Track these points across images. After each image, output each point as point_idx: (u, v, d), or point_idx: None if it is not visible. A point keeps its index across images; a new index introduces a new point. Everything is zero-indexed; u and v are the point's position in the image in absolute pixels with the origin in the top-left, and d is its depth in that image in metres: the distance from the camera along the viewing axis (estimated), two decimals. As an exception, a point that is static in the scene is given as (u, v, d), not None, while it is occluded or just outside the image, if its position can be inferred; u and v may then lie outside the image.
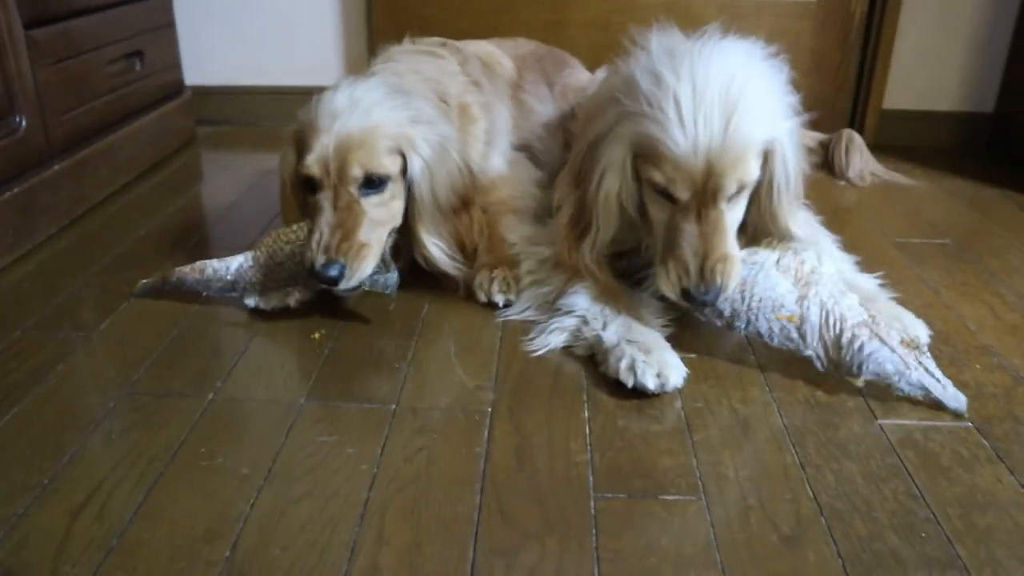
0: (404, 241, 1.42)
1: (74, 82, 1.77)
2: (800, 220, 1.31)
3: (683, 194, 1.17)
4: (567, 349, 1.29)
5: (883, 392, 1.18)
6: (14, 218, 1.56)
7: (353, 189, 1.32)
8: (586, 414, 1.13)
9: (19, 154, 1.59)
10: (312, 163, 1.30)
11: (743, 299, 1.20)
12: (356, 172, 1.31)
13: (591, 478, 1.01)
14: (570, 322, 1.28)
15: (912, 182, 2.09)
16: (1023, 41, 2.24)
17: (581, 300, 1.30)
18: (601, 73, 2.04)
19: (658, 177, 1.18)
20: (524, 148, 1.76)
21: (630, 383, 1.15)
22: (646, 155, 1.19)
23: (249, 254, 1.37)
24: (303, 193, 1.37)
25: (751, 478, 1.01)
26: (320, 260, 1.27)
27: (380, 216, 1.35)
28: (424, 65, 1.55)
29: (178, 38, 2.29)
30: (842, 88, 2.35)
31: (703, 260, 1.17)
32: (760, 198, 1.26)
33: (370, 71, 1.46)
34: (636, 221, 1.29)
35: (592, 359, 1.25)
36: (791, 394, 1.18)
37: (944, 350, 1.30)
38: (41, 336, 1.32)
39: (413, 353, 1.28)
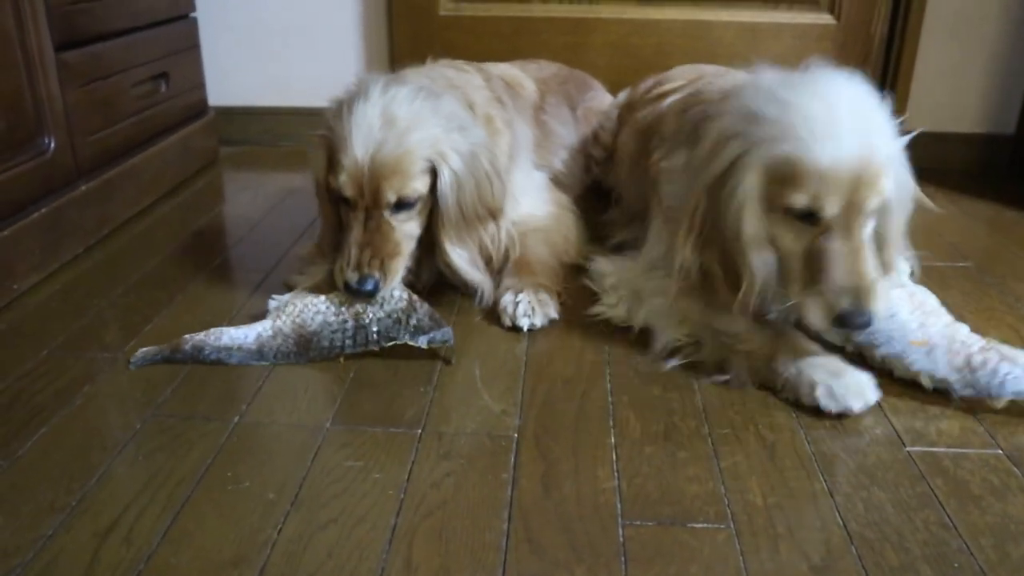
0: (427, 251, 1.43)
1: (102, 104, 1.79)
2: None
3: (832, 209, 1.13)
4: (592, 374, 1.29)
5: (910, 418, 1.17)
6: (42, 238, 1.57)
7: (386, 212, 1.34)
8: (612, 440, 1.13)
9: (47, 174, 1.61)
10: (345, 183, 1.32)
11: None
12: (390, 197, 1.32)
13: (619, 505, 1.00)
14: (740, 350, 1.25)
15: (933, 205, 2.07)
16: (1045, 63, 2.23)
17: (735, 324, 1.26)
18: (623, 96, 2.04)
19: (800, 199, 1.13)
20: (545, 169, 1.77)
21: (834, 409, 1.15)
22: (784, 178, 1.14)
23: (267, 323, 1.33)
24: (333, 200, 1.39)
25: (780, 505, 1.00)
26: (354, 277, 1.30)
27: (408, 230, 1.38)
28: (452, 75, 1.57)
29: (202, 59, 2.31)
30: (862, 109, 2.34)
31: (857, 283, 1.13)
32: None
33: (401, 76, 1.47)
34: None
35: (623, 383, 1.25)
36: (817, 420, 1.17)
37: (972, 376, 1.29)
38: (67, 357, 1.32)
39: (438, 376, 1.28)
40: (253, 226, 1.89)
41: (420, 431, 1.14)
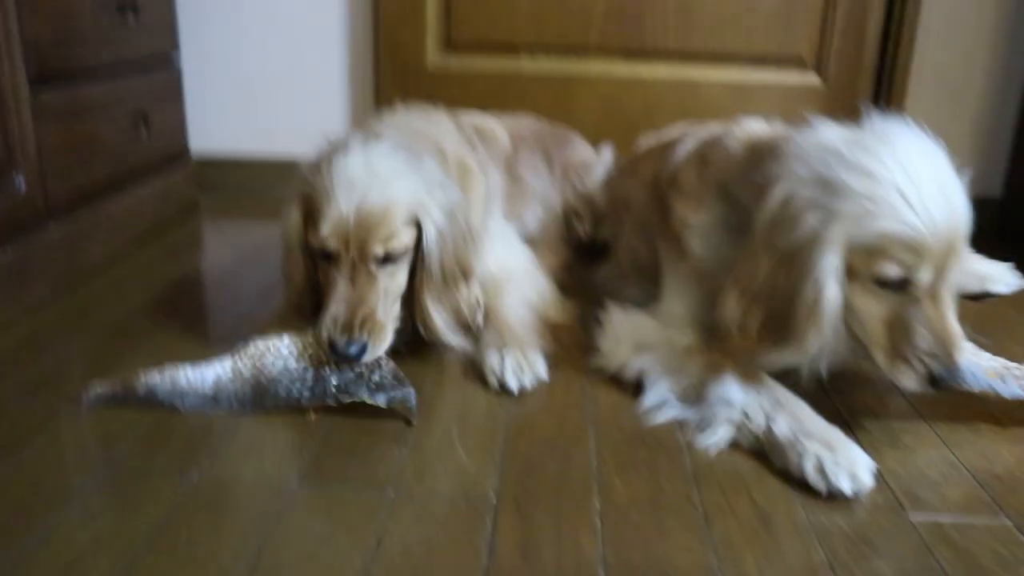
0: (405, 309, 1.37)
1: (77, 145, 1.75)
2: None
3: (926, 277, 1.12)
4: (575, 433, 1.22)
5: (911, 485, 1.11)
6: (7, 280, 1.51)
7: (372, 266, 1.28)
8: (597, 505, 1.06)
9: (17, 215, 1.55)
10: (330, 237, 1.26)
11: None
12: (377, 250, 1.27)
13: (603, 576, 0.93)
14: (735, 415, 1.20)
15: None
16: (1031, 126, 2.23)
17: (734, 390, 1.21)
18: (607, 152, 2.02)
19: (893, 270, 1.11)
20: (515, 220, 1.72)
21: (823, 488, 1.08)
22: (874, 251, 1.11)
23: (228, 364, 1.27)
24: (312, 258, 1.33)
25: (776, 579, 0.94)
26: (342, 340, 1.23)
27: (392, 287, 1.32)
28: (419, 123, 1.53)
29: (185, 105, 2.28)
30: (850, 171, 2.33)
31: (949, 348, 1.13)
32: None
33: (376, 131, 1.42)
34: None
35: (609, 444, 1.19)
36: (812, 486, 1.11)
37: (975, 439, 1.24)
38: (24, 405, 1.25)
39: (414, 435, 1.21)
40: (229, 276, 1.83)
41: (392, 492, 1.07)
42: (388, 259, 1.29)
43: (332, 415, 1.25)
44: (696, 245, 1.36)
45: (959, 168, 1.17)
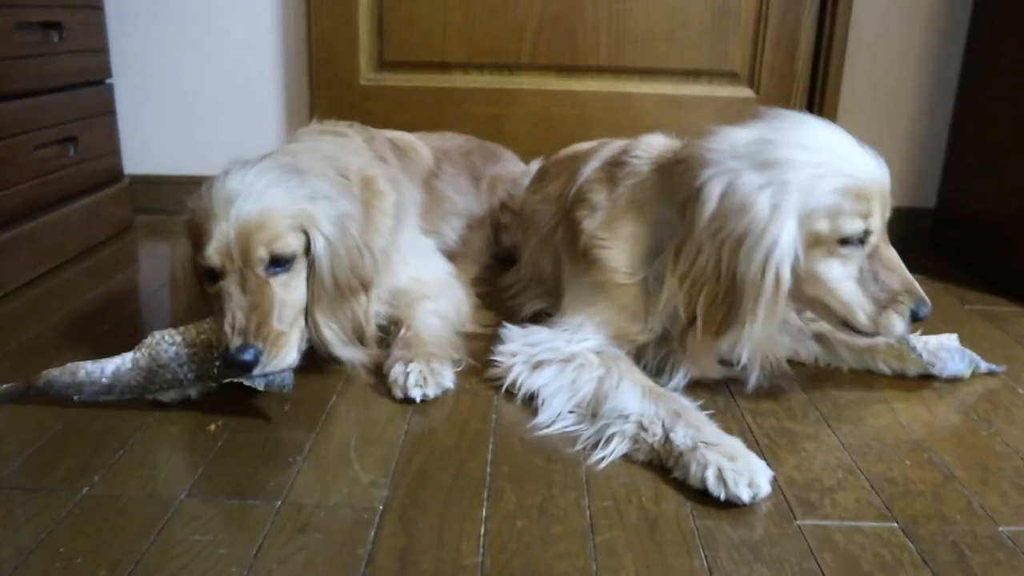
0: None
1: (-2, 164, 1.74)
2: None
3: (877, 222, 1.23)
4: (474, 443, 1.22)
5: (804, 490, 1.12)
6: (-85, 302, 1.49)
7: (260, 271, 1.27)
8: (484, 513, 1.06)
9: (-72, 235, 1.54)
10: (213, 252, 1.26)
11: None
12: (261, 253, 1.26)
13: (479, 583, 0.93)
14: (629, 427, 1.19)
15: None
16: (960, 137, 2.27)
17: (630, 401, 1.22)
18: (536, 164, 2.04)
19: (856, 224, 1.21)
20: (435, 236, 1.73)
21: (721, 495, 1.07)
22: (831, 212, 1.20)
23: (128, 356, 1.27)
24: (202, 283, 1.33)
25: (653, 584, 0.94)
26: (236, 342, 1.22)
27: (290, 297, 1.30)
28: (324, 144, 1.53)
29: (118, 126, 2.28)
30: (786, 183, 2.35)
31: (912, 281, 1.27)
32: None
33: (262, 155, 1.42)
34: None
35: (506, 453, 1.19)
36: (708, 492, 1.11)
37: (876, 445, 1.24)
38: (-82, 425, 1.24)
39: (311, 446, 1.20)
40: (155, 292, 1.82)
41: (279, 503, 1.06)
42: (277, 263, 1.28)
43: (232, 428, 1.24)
44: (610, 258, 1.37)
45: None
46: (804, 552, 1.00)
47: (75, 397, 1.26)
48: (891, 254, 1.27)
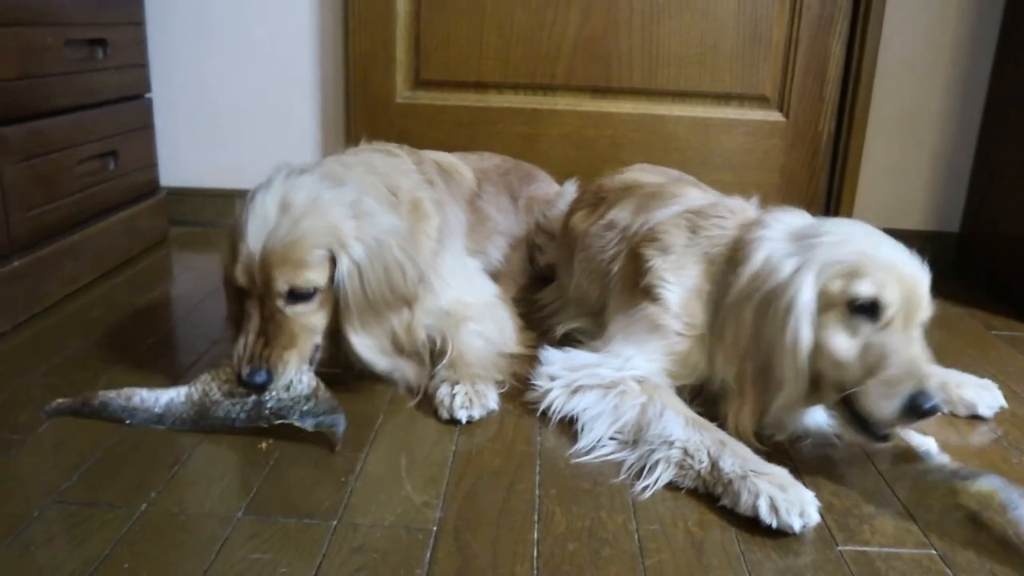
0: (336, 343, 1.38)
1: (43, 180, 1.77)
2: None
3: (894, 299, 1.19)
4: (521, 465, 1.24)
5: (844, 516, 1.14)
6: (-33, 314, 1.53)
7: (279, 302, 1.30)
8: (535, 535, 1.08)
9: (-23, 249, 1.57)
10: (239, 273, 1.30)
11: None
12: (281, 287, 1.29)
13: (535, 606, 0.95)
14: (674, 453, 1.20)
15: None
16: (985, 162, 2.29)
17: (674, 428, 1.23)
18: (571, 187, 2.06)
19: (866, 287, 1.19)
20: (479, 255, 1.75)
21: (773, 523, 1.09)
22: (847, 272, 1.21)
23: (183, 390, 1.31)
24: (235, 290, 1.36)
25: (704, 609, 0.96)
26: (245, 369, 1.27)
27: (308, 323, 1.33)
28: (377, 160, 1.55)
29: (156, 139, 2.31)
30: (812, 204, 2.38)
31: (920, 369, 1.16)
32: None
33: (315, 164, 1.44)
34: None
35: (553, 475, 1.21)
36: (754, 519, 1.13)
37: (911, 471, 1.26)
38: (-24, 438, 1.27)
39: (362, 466, 1.23)
40: (193, 307, 1.85)
41: (335, 522, 1.09)
42: (296, 296, 1.31)
43: (283, 448, 1.27)
44: (672, 302, 1.38)
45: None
46: (848, 578, 1.02)
47: (127, 420, 1.31)
48: (909, 343, 1.19)
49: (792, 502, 1.10)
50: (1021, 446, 1.38)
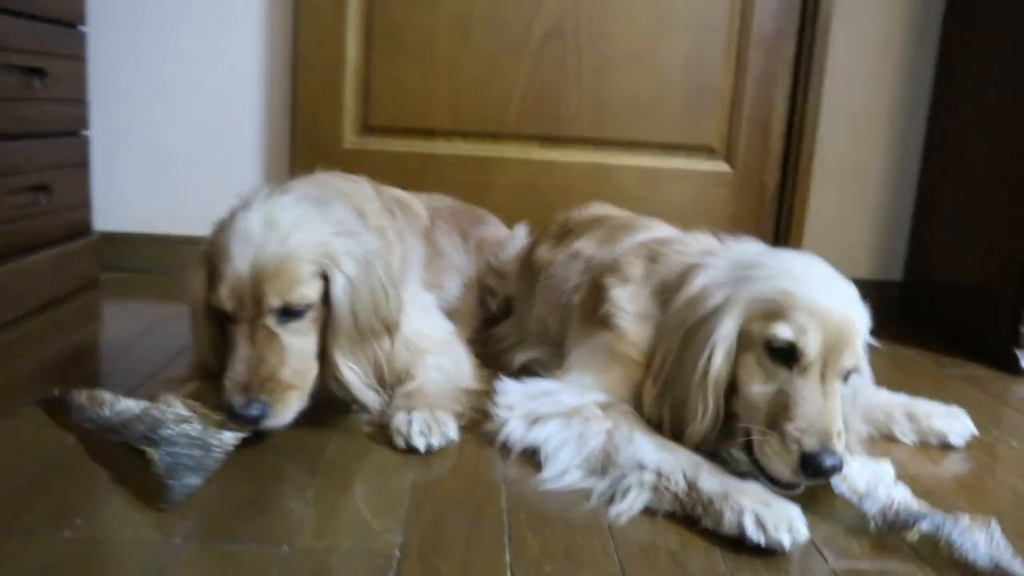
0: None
1: (-34, 208, 1.66)
2: None
3: (813, 346, 1.13)
4: (488, 492, 1.16)
5: (830, 536, 1.09)
6: None
7: (271, 321, 1.22)
8: (508, 558, 0.99)
9: None
10: (225, 296, 1.21)
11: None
12: (274, 303, 1.21)
13: (513, 628, 0.86)
14: (648, 477, 1.13)
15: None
16: (924, 213, 2.35)
17: (647, 451, 1.16)
18: (521, 230, 2.03)
19: (785, 331, 1.14)
20: (436, 289, 1.69)
21: (761, 540, 1.02)
22: (768, 313, 1.16)
23: (142, 405, 1.22)
24: (216, 321, 1.27)
25: (696, 627, 0.89)
26: (239, 401, 1.17)
27: (301, 345, 1.25)
28: (339, 184, 1.50)
29: (91, 180, 2.21)
30: (759, 256, 2.39)
31: (827, 425, 1.09)
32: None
33: (287, 185, 1.38)
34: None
35: (522, 502, 1.13)
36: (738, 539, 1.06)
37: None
38: None
39: (314, 493, 1.13)
40: (125, 348, 1.73)
41: (286, 548, 0.98)
42: (290, 314, 1.23)
43: (228, 475, 1.16)
44: (629, 331, 1.35)
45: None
46: (842, 596, 0.96)
47: (87, 425, 1.24)
48: (823, 392, 1.13)
49: (780, 517, 1.04)
50: (994, 471, 1.36)
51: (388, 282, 1.32)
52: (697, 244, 1.41)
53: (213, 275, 1.24)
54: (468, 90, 2.30)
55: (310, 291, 1.24)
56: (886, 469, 1.16)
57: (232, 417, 1.16)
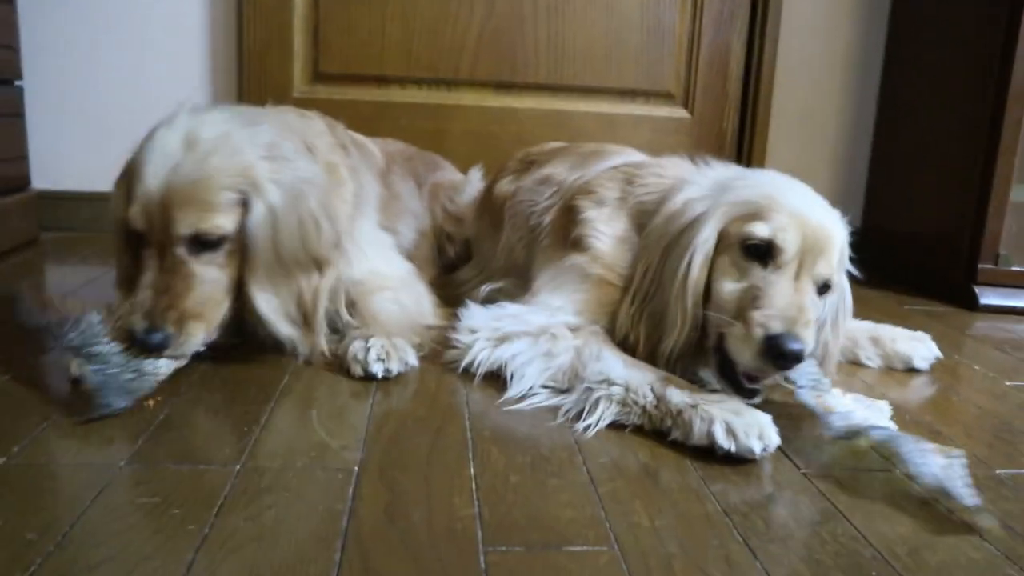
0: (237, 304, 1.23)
1: None
2: None
3: (790, 245, 1.12)
4: (448, 413, 1.12)
5: (802, 446, 1.07)
6: None
7: (181, 250, 1.15)
8: (472, 471, 0.95)
9: None
10: (135, 216, 1.14)
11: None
12: (184, 231, 1.14)
13: (480, 532, 0.82)
14: (616, 391, 1.10)
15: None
16: (880, 160, 2.35)
17: (614, 366, 1.13)
18: (476, 174, 1.98)
19: (763, 229, 1.13)
20: (391, 232, 1.63)
21: (732, 447, 1.00)
22: (748, 215, 1.15)
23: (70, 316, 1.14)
24: (130, 238, 1.19)
25: (670, 527, 0.85)
26: (141, 325, 1.11)
27: (215, 277, 1.18)
28: (289, 118, 1.42)
29: (27, 135, 2.11)
30: (719, 204, 2.38)
31: (795, 313, 1.08)
32: None
33: (220, 104, 1.31)
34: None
35: (485, 420, 1.09)
36: (702, 448, 1.04)
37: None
38: None
39: (268, 418, 1.08)
40: (64, 294, 1.65)
41: (238, 467, 0.93)
42: (203, 244, 1.16)
43: (176, 404, 1.10)
44: (603, 252, 1.32)
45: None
46: (815, 495, 0.95)
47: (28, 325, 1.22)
48: (795, 291, 1.11)
49: (750, 424, 1.01)
50: (959, 390, 1.35)
51: (321, 213, 1.24)
52: (674, 167, 1.38)
53: (129, 194, 1.17)
54: (422, 34, 2.24)
55: (226, 221, 1.16)
56: (883, 409, 1.14)
57: (133, 343, 1.11)
